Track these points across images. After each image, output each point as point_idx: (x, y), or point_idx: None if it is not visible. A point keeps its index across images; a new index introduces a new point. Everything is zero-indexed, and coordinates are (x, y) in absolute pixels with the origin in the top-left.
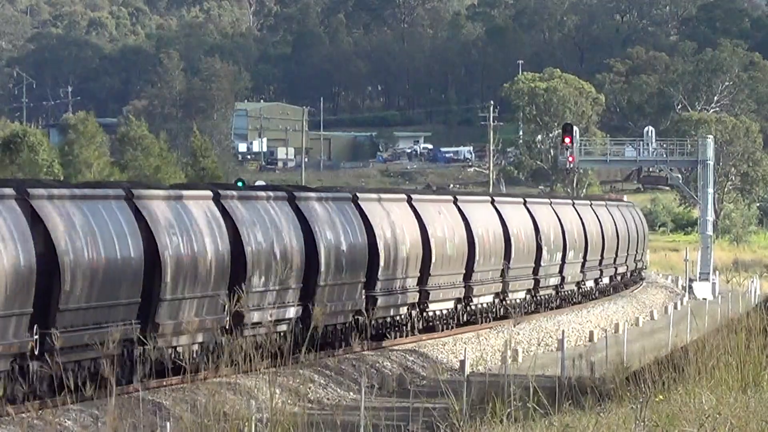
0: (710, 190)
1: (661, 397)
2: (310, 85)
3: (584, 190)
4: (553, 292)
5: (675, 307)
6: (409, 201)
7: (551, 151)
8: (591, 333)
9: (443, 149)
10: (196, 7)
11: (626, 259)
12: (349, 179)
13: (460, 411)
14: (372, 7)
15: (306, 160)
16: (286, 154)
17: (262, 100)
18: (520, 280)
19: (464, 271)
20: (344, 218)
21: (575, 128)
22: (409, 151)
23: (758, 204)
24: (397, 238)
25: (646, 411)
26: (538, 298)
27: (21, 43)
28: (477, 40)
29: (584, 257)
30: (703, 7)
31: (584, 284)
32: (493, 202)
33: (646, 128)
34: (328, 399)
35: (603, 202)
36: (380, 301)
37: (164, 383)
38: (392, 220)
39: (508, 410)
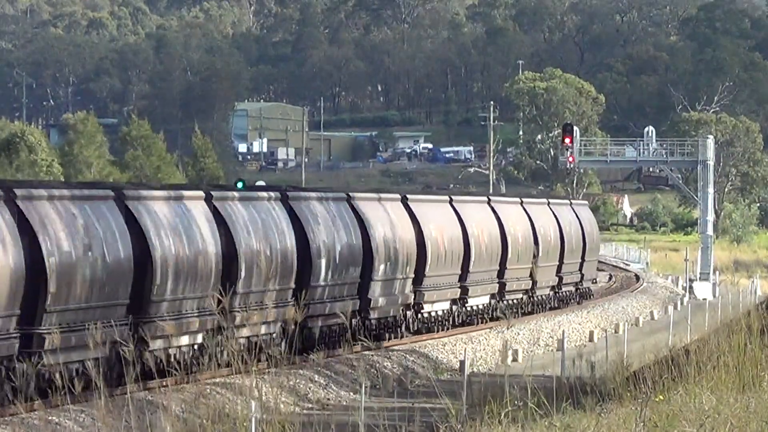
0: (710, 190)
1: (661, 397)
2: (310, 85)
3: (584, 190)
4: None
5: (675, 307)
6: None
7: (551, 151)
8: (591, 333)
9: (443, 149)
10: (196, 7)
11: (533, 273)
12: (350, 179)
13: (459, 411)
14: (372, 7)
15: (306, 160)
16: (287, 154)
17: (262, 100)
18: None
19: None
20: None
21: (575, 128)
22: (409, 151)
23: (758, 204)
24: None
25: (646, 411)
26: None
27: (21, 43)
28: (477, 40)
29: (417, 272)
30: (703, 7)
31: (422, 308)
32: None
33: (646, 128)
34: (328, 399)
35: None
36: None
37: (163, 383)
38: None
39: (507, 410)
